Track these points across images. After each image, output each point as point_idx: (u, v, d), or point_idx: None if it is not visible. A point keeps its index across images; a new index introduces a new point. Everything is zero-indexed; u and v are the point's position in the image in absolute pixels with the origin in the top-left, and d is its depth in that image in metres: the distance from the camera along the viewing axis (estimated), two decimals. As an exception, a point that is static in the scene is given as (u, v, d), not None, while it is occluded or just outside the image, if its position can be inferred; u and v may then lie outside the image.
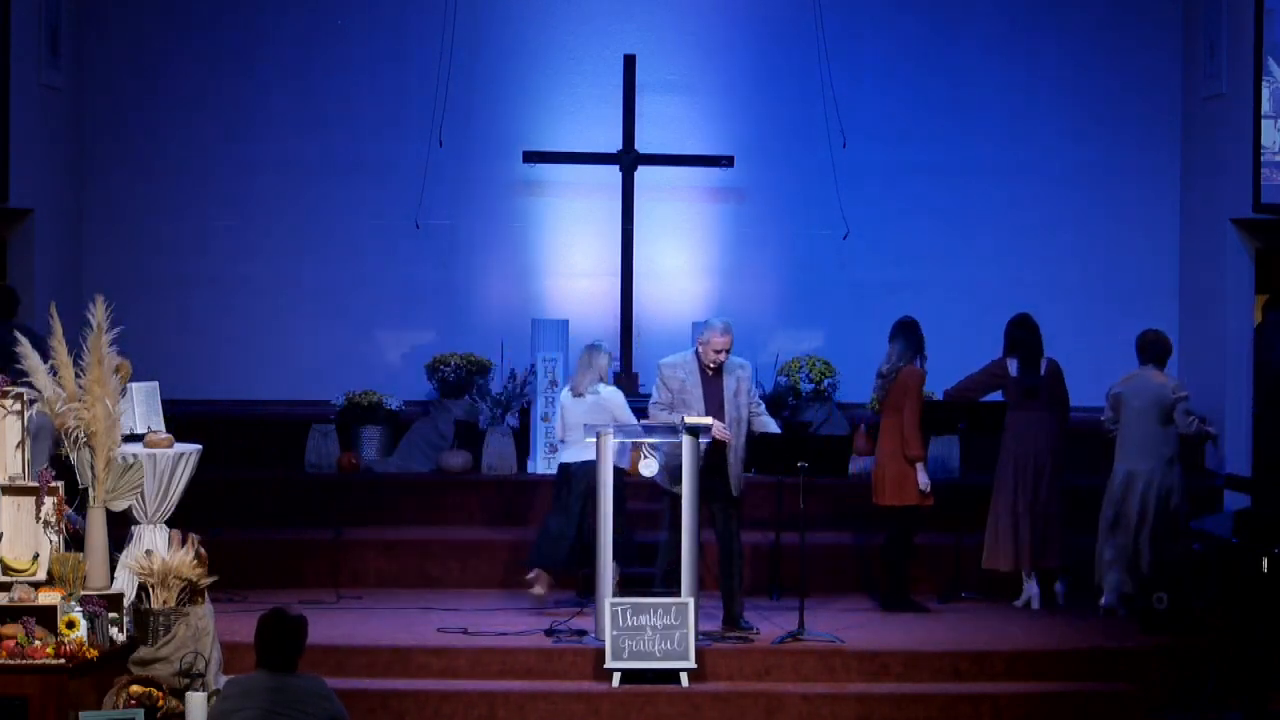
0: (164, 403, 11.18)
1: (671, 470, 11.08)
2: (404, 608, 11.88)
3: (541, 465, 13.56)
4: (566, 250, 14.88)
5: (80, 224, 14.58)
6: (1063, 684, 10.76)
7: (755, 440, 11.27)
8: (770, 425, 11.45)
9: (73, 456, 10.09)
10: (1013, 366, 12.20)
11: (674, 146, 14.61)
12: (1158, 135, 14.92)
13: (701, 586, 11.44)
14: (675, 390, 11.23)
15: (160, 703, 9.44)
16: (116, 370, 10.22)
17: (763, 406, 11.54)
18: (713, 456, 11.15)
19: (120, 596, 9.88)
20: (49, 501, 9.92)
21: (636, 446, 11.56)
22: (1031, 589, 12.14)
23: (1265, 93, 13.11)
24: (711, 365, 11.21)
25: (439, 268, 14.87)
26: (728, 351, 11.20)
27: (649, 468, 11.21)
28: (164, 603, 9.86)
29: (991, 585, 12.35)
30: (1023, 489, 12.08)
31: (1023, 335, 12.21)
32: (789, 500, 11.32)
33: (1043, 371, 12.18)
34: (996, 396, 12.43)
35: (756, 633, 11.15)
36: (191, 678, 9.65)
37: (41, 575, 9.86)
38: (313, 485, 13.38)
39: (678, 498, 10.96)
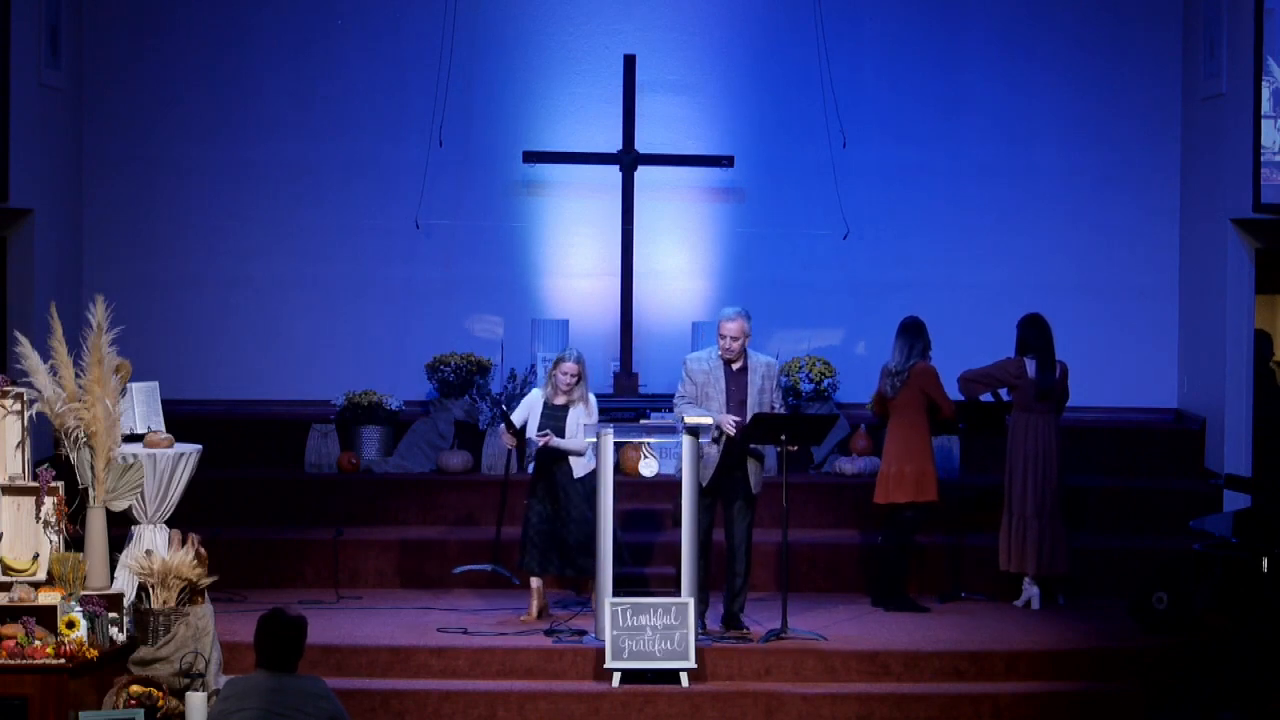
0: (164, 403, 11.18)
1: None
2: (404, 608, 11.88)
3: (541, 465, 13.55)
4: (566, 250, 14.87)
5: (80, 224, 14.56)
6: (1063, 684, 10.76)
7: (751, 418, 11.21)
8: None
9: (73, 456, 10.09)
10: (1030, 367, 12.15)
11: (674, 146, 14.60)
12: (1158, 135, 14.90)
13: (715, 586, 11.46)
14: (700, 384, 11.20)
15: (160, 703, 9.44)
16: (116, 370, 10.22)
17: (780, 408, 11.38)
18: (735, 454, 11.16)
19: (120, 596, 9.88)
20: (49, 501, 9.92)
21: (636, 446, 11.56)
22: (1031, 590, 12.12)
23: (1265, 93, 13.09)
24: (729, 357, 11.20)
25: (439, 268, 14.85)
26: (739, 339, 11.16)
27: (649, 468, 11.20)
28: (164, 603, 9.86)
29: (991, 585, 12.35)
30: (1032, 492, 12.06)
31: (1039, 336, 12.16)
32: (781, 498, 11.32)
33: (1057, 374, 12.16)
34: (989, 396, 12.45)
35: (749, 632, 11.15)
36: (191, 678, 9.65)
37: (41, 575, 9.86)
38: (313, 485, 13.37)
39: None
